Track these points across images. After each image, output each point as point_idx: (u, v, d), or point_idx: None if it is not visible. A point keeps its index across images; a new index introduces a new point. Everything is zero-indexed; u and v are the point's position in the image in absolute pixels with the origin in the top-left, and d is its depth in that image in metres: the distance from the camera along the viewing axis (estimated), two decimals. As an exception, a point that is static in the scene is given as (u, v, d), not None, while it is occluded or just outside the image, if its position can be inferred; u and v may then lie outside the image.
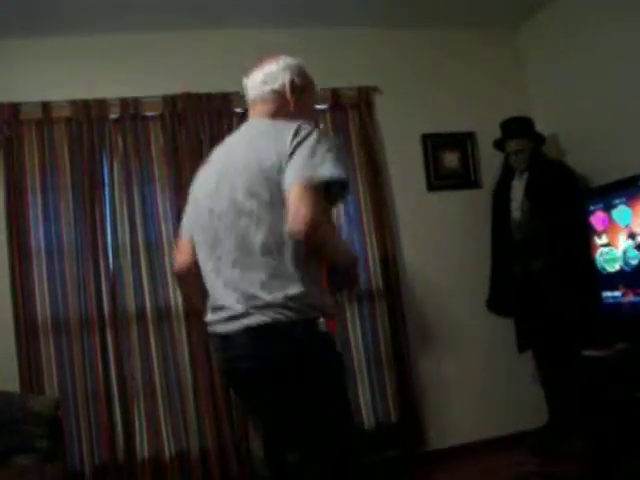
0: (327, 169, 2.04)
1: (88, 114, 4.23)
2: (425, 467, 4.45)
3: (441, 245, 4.80)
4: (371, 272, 4.60)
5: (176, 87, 4.37)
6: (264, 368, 2.09)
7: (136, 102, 4.32)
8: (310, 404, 2.08)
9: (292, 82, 2.34)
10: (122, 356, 4.12)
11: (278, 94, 2.33)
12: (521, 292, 4.46)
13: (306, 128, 2.12)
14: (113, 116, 4.31)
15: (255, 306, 2.06)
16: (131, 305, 4.18)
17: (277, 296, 2.04)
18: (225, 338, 2.17)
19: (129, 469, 4.03)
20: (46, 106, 4.18)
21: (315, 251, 2.08)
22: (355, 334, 4.52)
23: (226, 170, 2.23)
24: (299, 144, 2.08)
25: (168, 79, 4.39)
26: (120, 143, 4.29)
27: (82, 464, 3.93)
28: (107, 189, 4.26)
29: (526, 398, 4.67)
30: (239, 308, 2.09)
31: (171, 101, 4.36)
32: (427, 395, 4.64)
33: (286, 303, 2.04)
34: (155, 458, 4.09)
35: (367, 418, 4.45)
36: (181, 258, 2.46)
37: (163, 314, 4.21)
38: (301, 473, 2.12)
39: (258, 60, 2.43)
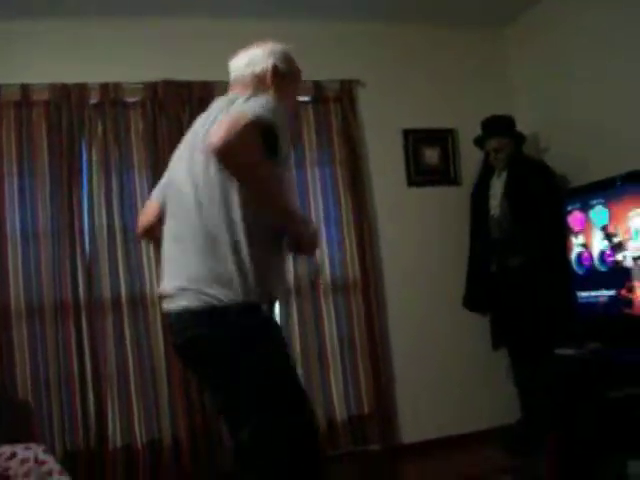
0: (253, 110, 1.96)
1: (68, 98, 4.19)
2: (396, 460, 4.49)
3: (419, 241, 4.81)
4: (348, 265, 4.61)
5: (157, 74, 4.34)
6: (194, 348, 2.14)
7: (117, 87, 4.28)
8: (238, 385, 2.09)
9: (274, 67, 2.32)
10: (96, 342, 4.10)
11: (258, 78, 2.31)
12: (497, 290, 4.48)
13: (259, 96, 2.09)
14: (93, 101, 4.27)
15: (186, 288, 2.08)
16: (106, 291, 4.16)
17: (209, 281, 2.05)
18: (168, 315, 2.21)
19: (101, 455, 4.01)
20: (25, 88, 4.13)
21: (238, 178, 1.99)
22: (330, 326, 4.53)
23: (188, 141, 2.25)
24: (245, 101, 2.07)
25: (149, 65, 4.36)
26: (99, 128, 4.26)
27: (53, 449, 3.89)
28: (85, 174, 4.22)
29: (499, 395, 4.69)
30: (175, 287, 2.12)
31: (152, 87, 4.33)
32: (401, 389, 4.66)
33: (216, 287, 2.04)
34: (127, 445, 4.08)
35: (339, 410, 4.47)
36: (142, 219, 2.47)
37: (138, 301, 4.19)
38: (243, 447, 2.14)
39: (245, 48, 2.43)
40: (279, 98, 2.24)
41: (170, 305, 2.18)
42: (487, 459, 4.22)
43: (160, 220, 2.34)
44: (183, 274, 2.12)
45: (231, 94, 2.29)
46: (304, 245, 2.22)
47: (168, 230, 2.25)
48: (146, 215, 2.46)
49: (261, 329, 2.10)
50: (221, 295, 2.04)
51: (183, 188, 2.16)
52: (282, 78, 2.34)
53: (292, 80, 2.40)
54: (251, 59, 2.34)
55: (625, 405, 3.39)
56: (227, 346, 2.08)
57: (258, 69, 2.32)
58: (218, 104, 2.25)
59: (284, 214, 2.12)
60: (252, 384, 2.08)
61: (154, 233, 2.39)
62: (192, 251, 2.10)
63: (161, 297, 2.28)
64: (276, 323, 2.28)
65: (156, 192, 2.48)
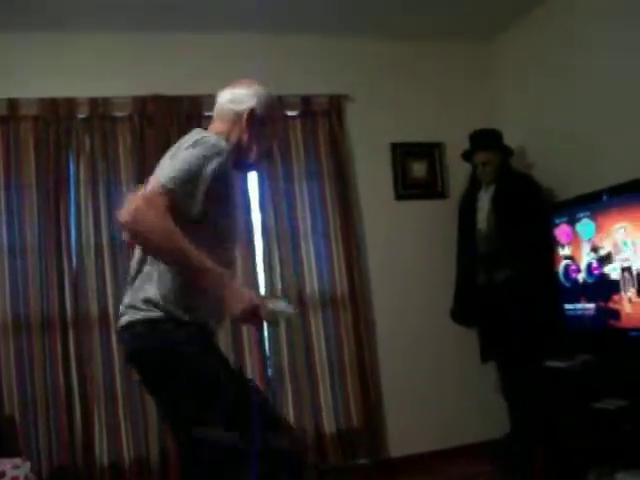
0: (169, 172, 2.11)
1: (56, 112, 4.19)
2: (385, 474, 4.47)
3: (407, 254, 4.82)
4: (336, 279, 4.61)
5: (146, 88, 4.34)
6: (130, 360, 2.32)
7: (105, 102, 4.29)
8: (166, 389, 2.23)
9: (252, 111, 2.38)
10: (83, 357, 4.07)
11: (237, 117, 2.38)
12: (485, 303, 4.49)
13: (204, 140, 2.19)
14: (81, 115, 4.27)
15: (127, 305, 2.28)
16: (94, 306, 4.14)
17: (137, 298, 2.23)
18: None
19: (88, 472, 3.98)
20: (13, 103, 4.12)
21: (141, 243, 2.17)
22: (318, 340, 4.53)
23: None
24: (182, 149, 2.19)
25: (138, 80, 4.36)
26: (87, 143, 4.26)
27: (39, 466, 3.86)
28: (72, 189, 4.21)
29: (488, 408, 4.69)
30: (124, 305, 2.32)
31: (140, 102, 4.33)
32: (389, 403, 4.65)
33: (141, 305, 2.21)
34: (114, 462, 4.05)
35: (328, 424, 4.46)
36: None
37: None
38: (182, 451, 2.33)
39: (234, 80, 2.49)
40: (251, 142, 2.38)
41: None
42: (476, 473, 4.21)
43: None
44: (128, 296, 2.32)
45: (197, 130, 2.35)
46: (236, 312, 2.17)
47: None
48: None
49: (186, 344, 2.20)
50: (150, 310, 2.20)
51: None
52: (257, 122, 2.40)
53: (268, 125, 2.45)
54: (235, 96, 2.42)
55: (613, 417, 3.40)
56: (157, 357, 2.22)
57: (238, 108, 2.38)
58: (184, 138, 2.32)
59: (204, 279, 2.13)
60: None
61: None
62: (136, 273, 2.30)
63: None
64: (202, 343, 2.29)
65: None
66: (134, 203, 2.04)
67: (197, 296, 2.20)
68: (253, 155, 2.41)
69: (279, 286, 4.48)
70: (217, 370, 2.25)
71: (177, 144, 2.29)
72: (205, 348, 2.26)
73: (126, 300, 2.29)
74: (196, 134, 2.25)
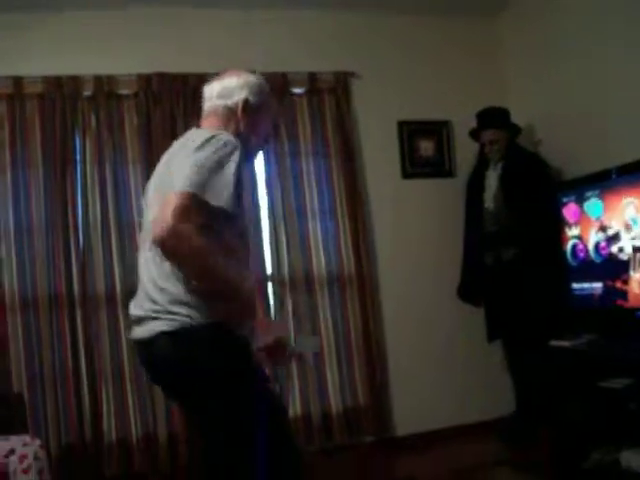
0: (196, 180, 1.99)
1: (61, 90, 4.17)
2: (392, 453, 4.49)
3: (414, 233, 4.81)
4: (343, 257, 4.60)
5: (151, 66, 4.31)
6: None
7: (110, 80, 4.27)
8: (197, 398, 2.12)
9: (246, 102, 2.34)
10: (91, 336, 4.09)
11: (231, 111, 2.34)
12: (492, 281, 4.48)
13: (219, 139, 2.10)
14: (86, 93, 4.25)
15: (152, 310, 2.12)
16: (101, 284, 4.15)
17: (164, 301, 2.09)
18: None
19: (96, 450, 4.02)
20: (18, 81, 4.11)
21: (175, 262, 2.03)
22: (325, 319, 4.53)
23: (155, 173, 2.30)
24: (197, 149, 2.07)
25: (143, 58, 4.34)
26: (93, 121, 4.24)
27: (48, 443, 3.89)
28: (79, 167, 4.21)
29: (494, 386, 4.71)
30: (143, 309, 2.17)
31: (146, 80, 4.31)
32: (396, 381, 4.67)
33: (169, 309, 2.06)
34: (122, 439, 4.08)
35: (335, 402, 4.48)
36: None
37: (133, 294, 4.15)
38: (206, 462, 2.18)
39: (222, 71, 2.45)
40: (250, 130, 2.34)
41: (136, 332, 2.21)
42: (482, 451, 4.23)
43: None
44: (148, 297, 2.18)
45: (194, 131, 2.30)
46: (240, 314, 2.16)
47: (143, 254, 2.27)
48: None
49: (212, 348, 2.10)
50: (172, 318, 2.06)
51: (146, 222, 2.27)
52: (254, 111, 2.36)
53: (264, 112, 2.42)
54: (224, 89, 2.35)
55: (619, 396, 3.40)
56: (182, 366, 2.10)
57: (230, 102, 2.34)
58: (185, 138, 2.26)
59: (222, 290, 2.09)
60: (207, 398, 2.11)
61: None
62: (152, 274, 2.16)
63: None
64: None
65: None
66: (166, 222, 1.92)
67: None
68: (253, 144, 2.39)
69: (286, 264, 4.47)
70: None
71: (178, 145, 2.23)
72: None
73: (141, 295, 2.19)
74: (204, 133, 2.17)
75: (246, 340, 2.15)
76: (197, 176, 1.99)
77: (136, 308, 2.22)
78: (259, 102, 2.38)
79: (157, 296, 2.10)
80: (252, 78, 2.40)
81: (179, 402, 2.30)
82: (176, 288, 2.06)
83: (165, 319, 2.06)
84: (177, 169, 2.05)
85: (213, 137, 2.10)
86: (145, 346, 2.14)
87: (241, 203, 2.14)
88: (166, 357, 2.08)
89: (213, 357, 2.06)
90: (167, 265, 2.07)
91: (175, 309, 2.05)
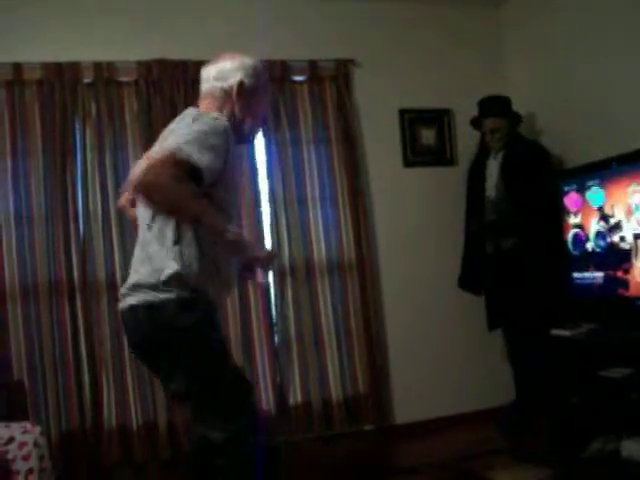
0: (186, 146, 2.09)
1: (61, 77, 4.14)
2: (391, 441, 4.51)
3: (415, 221, 4.80)
4: (344, 245, 4.59)
5: (151, 53, 4.29)
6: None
7: (110, 67, 4.24)
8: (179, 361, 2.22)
9: (241, 84, 2.39)
10: (91, 324, 4.09)
11: (226, 93, 2.39)
12: (492, 271, 4.48)
13: (212, 116, 2.24)
14: (86, 80, 4.23)
15: (137, 284, 2.25)
16: (101, 272, 4.14)
17: (152, 277, 2.21)
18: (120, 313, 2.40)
19: (96, 437, 4.02)
20: (17, 67, 4.08)
21: (156, 205, 2.16)
22: (325, 307, 4.53)
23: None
24: (189, 124, 2.20)
25: (143, 44, 4.31)
26: (93, 108, 4.22)
27: (48, 430, 3.90)
28: (79, 154, 4.18)
29: (494, 375, 4.72)
30: (130, 282, 2.30)
31: (146, 67, 4.29)
32: (396, 370, 4.67)
33: (158, 284, 2.18)
34: (122, 426, 4.09)
35: (335, 390, 4.48)
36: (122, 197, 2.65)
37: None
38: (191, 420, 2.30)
39: (218, 55, 2.48)
40: (245, 113, 2.40)
41: (121, 304, 2.32)
42: (482, 440, 4.23)
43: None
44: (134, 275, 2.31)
45: (191, 109, 2.38)
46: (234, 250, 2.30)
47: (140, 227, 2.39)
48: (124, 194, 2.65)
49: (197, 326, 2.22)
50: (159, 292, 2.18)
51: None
52: (248, 93, 2.41)
53: (259, 94, 2.46)
54: (220, 72, 2.42)
55: (619, 386, 3.41)
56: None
57: (226, 85, 2.40)
58: (180, 117, 2.35)
59: (212, 226, 2.20)
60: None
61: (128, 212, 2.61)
62: (143, 249, 2.29)
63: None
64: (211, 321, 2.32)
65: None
66: (147, 171, 2.05)
67: (214, 268, 2.25)
68: (249, 126, 2.43)
69: (286, 252, 4.46)
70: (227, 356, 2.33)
71: (175, 123, 2.31)
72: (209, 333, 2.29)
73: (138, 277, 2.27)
74: (193, 111, 2.30)
75: (213, 305, 2.30)
76: (183, 141, 2.10)
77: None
78: (254, 84, 2.42)
79: (141, 269, 2.25)
80: (247, 61, 2.44)
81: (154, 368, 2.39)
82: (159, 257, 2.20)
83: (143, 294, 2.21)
84: (169, 140, 2.16)
85: (207, 114, 2.24)
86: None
87: (226, 179, 2.24)
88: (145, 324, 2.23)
89: (182, 317, 2.18)
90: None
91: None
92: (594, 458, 3.46)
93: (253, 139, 2.66)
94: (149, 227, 2.26)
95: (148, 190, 2.08)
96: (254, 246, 2.41)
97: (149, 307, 2.18)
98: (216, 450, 2.18)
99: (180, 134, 2.16)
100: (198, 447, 2.27)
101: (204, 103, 2.42)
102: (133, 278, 2.29)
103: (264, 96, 2.51)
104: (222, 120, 2.25)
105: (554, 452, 3.77)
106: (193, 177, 2.09)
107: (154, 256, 2.21)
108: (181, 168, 2.05)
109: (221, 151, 2.16)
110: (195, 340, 2.20)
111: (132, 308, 2.23)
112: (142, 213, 2.33)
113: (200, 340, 2.21)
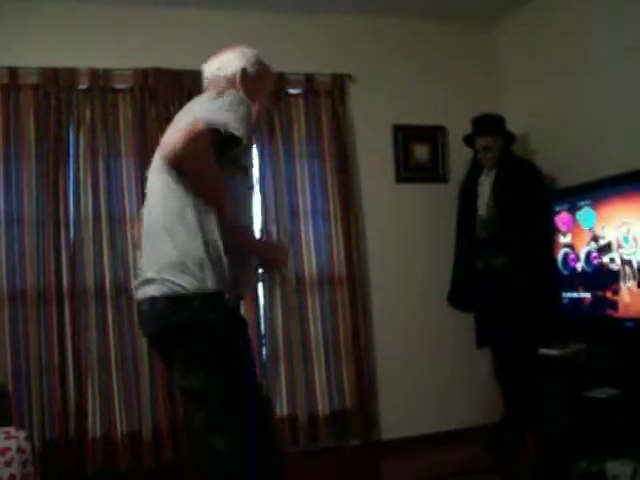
0: (209, 114, 2.06)
1: (56, 82, 4.14)
2: (377, 456, 4.49)
3: (406, 237, 4.81)
4: (334, 259, 4.59)
5: (148, 61, 4.30)
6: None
7: (106, 73, 4.24)
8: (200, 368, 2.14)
9: (244, 70, 2.40)
10: (79, 331, 4.07)
11: (229, 81, 2.39)
12: (482, 288, 4.48)
13: (231, 93, 2.19)
14: (82, 86, 4.23)
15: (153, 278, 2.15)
16: (90, 279, 4.12)
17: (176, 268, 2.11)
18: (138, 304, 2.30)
19: (80, 445, 3.99)
20: (13, 71, 4.08)
21: (190, 178, 2.09)
22: (315, 321, 4.52)
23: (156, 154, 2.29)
24: (211, 101, 2.15)
25: (140, 53, 4.32)
26: (88, 114, 4.22)
27: (32, 437, 3.86)
28: (72, 160, 4.18)
29: (482, 393, 4.71)
30: (149, 274, 2.18)
31: (142, 75, 4.29)
32: (383, 385, 4.66)
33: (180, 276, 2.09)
34: (107, 434, 4.06)
35: (322, 405, 4.46)
36: (137, 230, 2.50)
37: (122, 290, 4.15)
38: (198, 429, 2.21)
39: (224, 47, 2.49)
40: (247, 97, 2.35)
41: (138, 295, 2.24)
42: (469, 457, 4.23)
43: None
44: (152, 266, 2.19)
45: (199, 96, 2.33)
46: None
47: (144, 228, 2.30)
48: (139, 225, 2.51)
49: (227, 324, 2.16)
50: (186, 284, 2.09)
51: (152, 190, 2.26)
52: (251, 80, 2.42)
53: (261, 81, 2.47)
54: (222, 63, 2.43)
55: (605, 406, 3.41)
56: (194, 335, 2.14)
57: (229, 73, 2.40)
58: (192, 102, 2.30)
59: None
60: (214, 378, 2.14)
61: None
62: (157, 243, 2.18)
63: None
64: (242, 319, 2.29)
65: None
66: (179, 140, 2.00)
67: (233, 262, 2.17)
68: (253, 112, 2.36)
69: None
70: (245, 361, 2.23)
71: (182, 113, 2.24)
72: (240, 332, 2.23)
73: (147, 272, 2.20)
74: (207, 94, 2.26)
75: (235, 303, 2.21)
76: (211, 113, 2.06)
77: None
78: (256, 71, 2.44)
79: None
80: (247, 50, 2.47)
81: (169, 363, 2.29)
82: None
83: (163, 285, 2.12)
84: (186, 121, 2.08)
85: (225, 92, 2.19)
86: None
87: (246, 160, 2.24)
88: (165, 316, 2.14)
89: (207, 315, 2.10)
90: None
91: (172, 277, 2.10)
92: (580, 478, 3.45)
93: (255, 129, 2.65)
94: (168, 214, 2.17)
95: (183, 159, 2.02)
96: (274, 247, 2.51)
97: (172, 299, 2.10)
98: (217, 457, 2.13)
99: (207, 109, 2.10)
100: (199, 448, 2.22)
101: (209, 91, 2.38)
102: (153, 269, 2.17)
103: (265, 83, 2.52)
104: (243, 95, 2.24)
105: (541, 471, 3.76)
106: (230, 145, 2.08)
107: (177, 242, 2.12)
108: (217, 137, 2.03)
109: (250, 120, 2.14)
110: (223, 339, 2.13)
111: (152, 299, 2.14)
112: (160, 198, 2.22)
113: (229, 339, 2.15)
